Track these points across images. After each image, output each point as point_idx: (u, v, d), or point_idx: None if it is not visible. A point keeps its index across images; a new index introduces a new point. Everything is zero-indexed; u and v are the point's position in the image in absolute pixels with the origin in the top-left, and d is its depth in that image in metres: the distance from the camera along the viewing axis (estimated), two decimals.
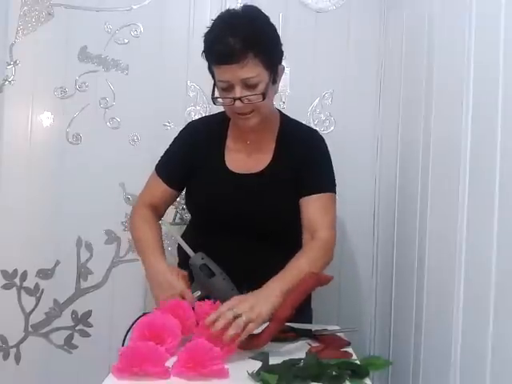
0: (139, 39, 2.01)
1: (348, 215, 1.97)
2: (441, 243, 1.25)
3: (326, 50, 1.99)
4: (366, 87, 1.99)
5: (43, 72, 2.02)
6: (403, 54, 1.69)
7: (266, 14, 1.44)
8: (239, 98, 1.39)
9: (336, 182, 1.54)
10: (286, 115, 1.62)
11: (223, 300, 1.31)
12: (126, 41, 2.01)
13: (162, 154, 1.62)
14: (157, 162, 1.61)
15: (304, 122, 1.87)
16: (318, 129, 1.96)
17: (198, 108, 2.00)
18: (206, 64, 1.46)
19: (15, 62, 2.01)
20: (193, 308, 1.30)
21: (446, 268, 1.18)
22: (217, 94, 1.46)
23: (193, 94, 2.00)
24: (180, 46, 2.00)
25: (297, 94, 1.98)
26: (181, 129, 1.63)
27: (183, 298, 1.35)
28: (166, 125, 2.00)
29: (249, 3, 1.95)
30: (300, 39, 1.97)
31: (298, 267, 1.34)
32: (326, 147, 1.57)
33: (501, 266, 0.93)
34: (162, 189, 1.58)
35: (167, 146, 1.61)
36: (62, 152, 2.02)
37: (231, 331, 1.15)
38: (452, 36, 1.22)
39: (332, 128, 2.00)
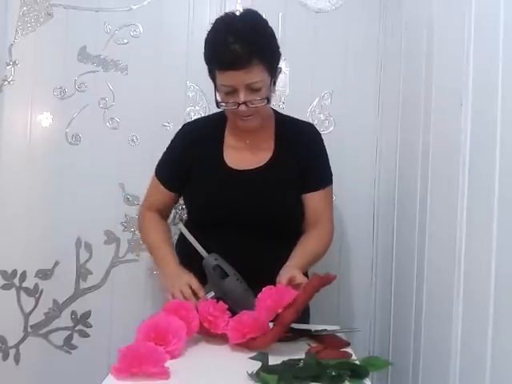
0: (138, 39, 2.01)
1: (347, 215, 1.97)
2: (440, 243, 1.25)
3: (325, 50, 1.98)
4: (366, 87, 1.98)
5: (42, 72, 2.01)
6: (402, 53, 1.69)
7: (266, 14, 1.45)
8: (244, 103, 1.42)
9: (335, 181, 1.62)
10: (279, 112, 1.64)
11: (236, 301, 1.31)
12: (126, 41, 2.01)
13: (160, 157, 1.65)
14: (156, 164, 1.64)
15: None
16: None
17: (197, 108, 2.00)
18: (205, 64, 1.46)
19: (14, 62, 2.01)
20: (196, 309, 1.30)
21: (445, 268, 1.18)
22: (218, 97, 1.47)
23: (192, 95, 2.00)
24: (179, 46, 1.99)
25: (296, 95, 1.97)
26: (177, 131, 1.64)
27: (190, 287, 1.40)
28: (165, 125, 1.99)
29: (249, 4, 1.99)
30: (299, 39, 1.97)
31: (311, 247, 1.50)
32: (322, 139, 1.62)
33: (500, 267, 0.93)
34: (162, 192, 1.63)
35: (166, 147, 1.62)
36: (61, 152, 2.01)
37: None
38: (451, 36, 1.22)
39: (331, 128, 1.99)
